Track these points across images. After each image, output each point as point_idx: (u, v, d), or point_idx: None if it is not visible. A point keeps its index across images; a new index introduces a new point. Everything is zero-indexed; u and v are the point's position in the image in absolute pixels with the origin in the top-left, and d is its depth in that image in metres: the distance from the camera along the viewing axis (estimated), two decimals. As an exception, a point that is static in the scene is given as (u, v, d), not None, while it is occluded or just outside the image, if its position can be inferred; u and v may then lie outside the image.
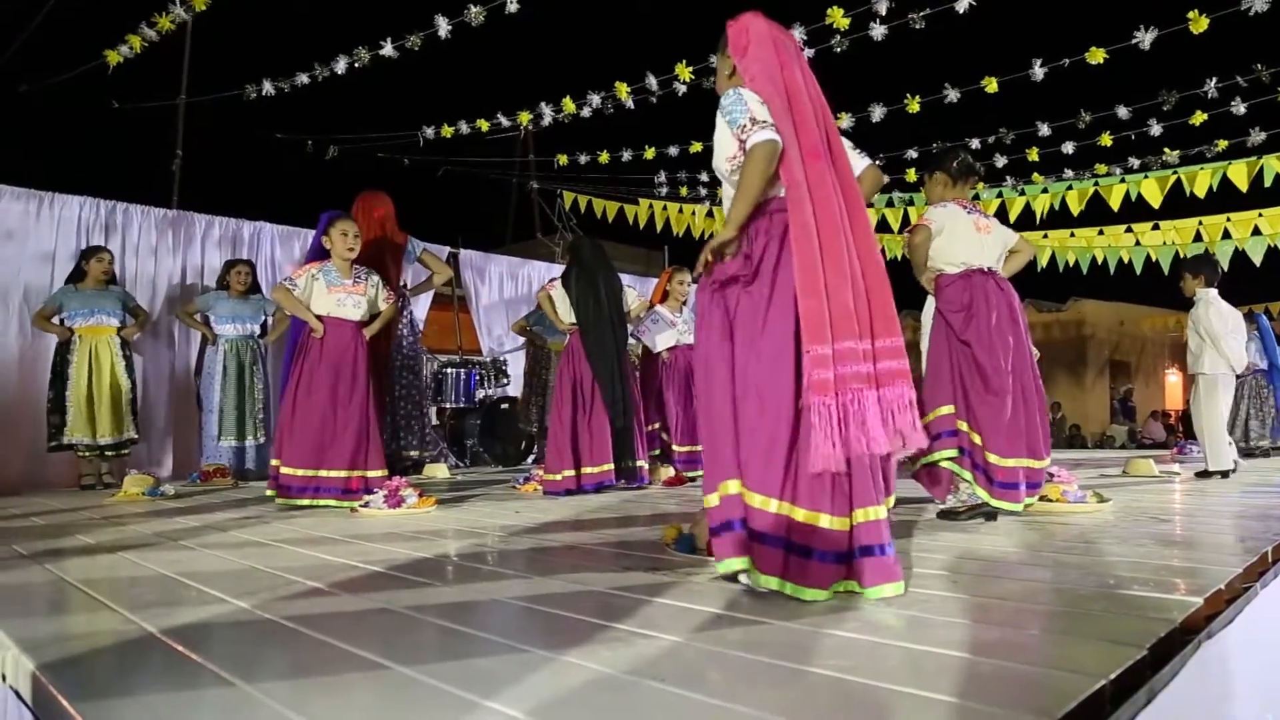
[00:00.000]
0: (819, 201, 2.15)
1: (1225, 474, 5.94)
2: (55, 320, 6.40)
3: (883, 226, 11.24)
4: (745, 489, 2.11)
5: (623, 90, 8.40)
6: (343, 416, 4.61)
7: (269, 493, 4.55)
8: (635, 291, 5.92)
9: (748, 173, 2.19)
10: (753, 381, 2.15)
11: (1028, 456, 3.62)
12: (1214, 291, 6.14)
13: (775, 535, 2.06)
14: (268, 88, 7.86)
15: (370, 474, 4.61)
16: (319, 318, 4.70)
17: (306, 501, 4.50)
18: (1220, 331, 5.96)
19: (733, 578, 2.13)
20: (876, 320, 2.13)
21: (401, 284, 6.57)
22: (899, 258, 11.80)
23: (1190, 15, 6.79)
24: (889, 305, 2.18)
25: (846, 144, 2.47)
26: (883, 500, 2.12)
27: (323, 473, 4.55)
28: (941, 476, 3.69)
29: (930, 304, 4.07)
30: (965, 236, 3.77)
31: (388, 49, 7.18)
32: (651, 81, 8.18)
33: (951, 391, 3.68)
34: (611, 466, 5.28)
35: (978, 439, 3.61)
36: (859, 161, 2.56)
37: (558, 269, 10.63)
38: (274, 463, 4.60)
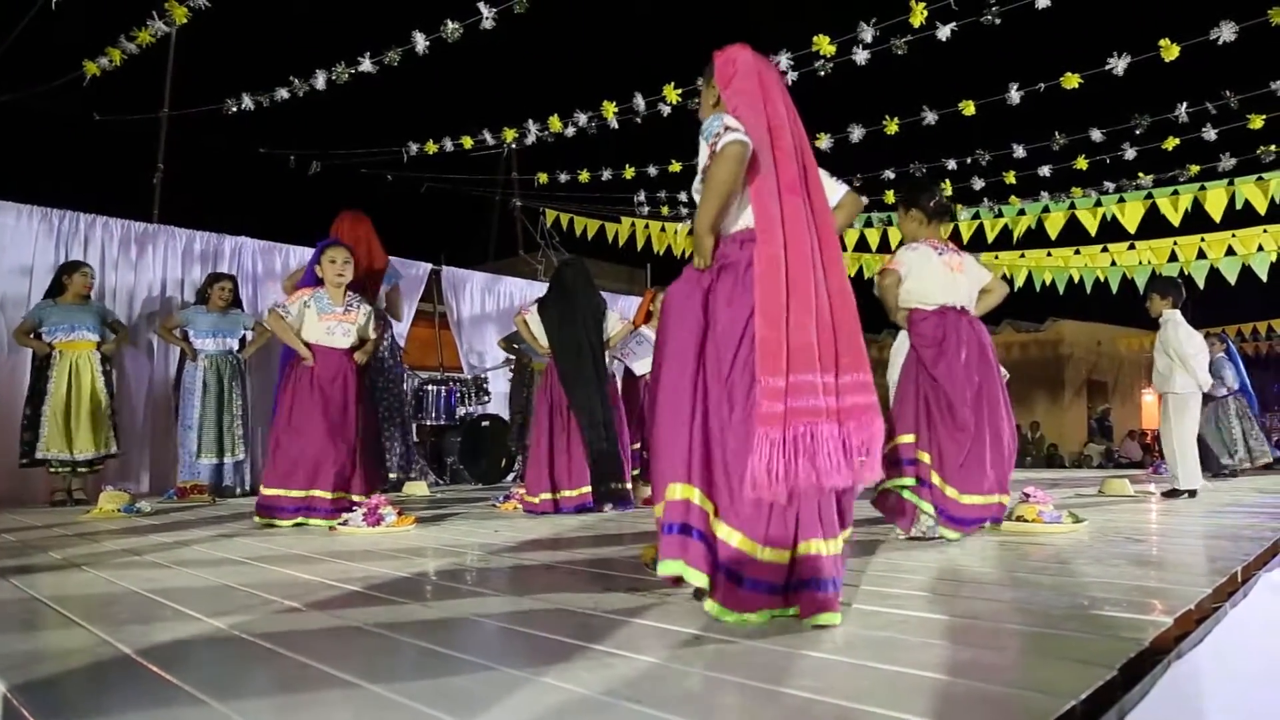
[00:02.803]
0: (791, 236, 2.16)
1: (1192, 493, 6.03)
2: (33, 335, 6.36)
3: (862, 245, 11.34)
4: (717, 519, 2.12)
5: (609, 110, 8.46)
6: (333, 443, 4.61)
7: (258, 520, 4.53)
8: (618, 315, 5.87)
9: (715, 170, 2.17)
10: (728, 407, 2.16)
11: (992, 493, 3.67)
12: (1179, 313, 6.25)
13: (698, 529, 2.09)
14: (247, 102, 7.86)
15: (354, 496, 4.61)
16: (310, 344, 4.71)
17: (287, 522, 4.48)
18: (1189, 352, 6.07)
19: (676, 582, 2.14)
20: (843, 355, 2.14)
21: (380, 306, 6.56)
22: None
23: (1161, 43, 6.94)
24: (857, 340, 2.18)
25: (824, 174, 2.49)
26: (833, 534, 2.11)
27: (312, 492, 4.55)
28: (904, 507, 3.72)
29: (902, 338, 4.11)
30: (937, 277, 3.82)
31: (366, 65, 7.21)
32: (639, 102, 8.26)
33: (914, 422, 3.73)
34: (589, 489, 5.27)
35: (937, 476, 3.64)
36: (837, 189, 2.59)
37: (537, 286, 10.68)
38: (264, 490, 4.58)
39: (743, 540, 2.07)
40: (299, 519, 4.50)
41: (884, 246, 11.05)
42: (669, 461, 2.18)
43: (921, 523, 3.68)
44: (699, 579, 2.08)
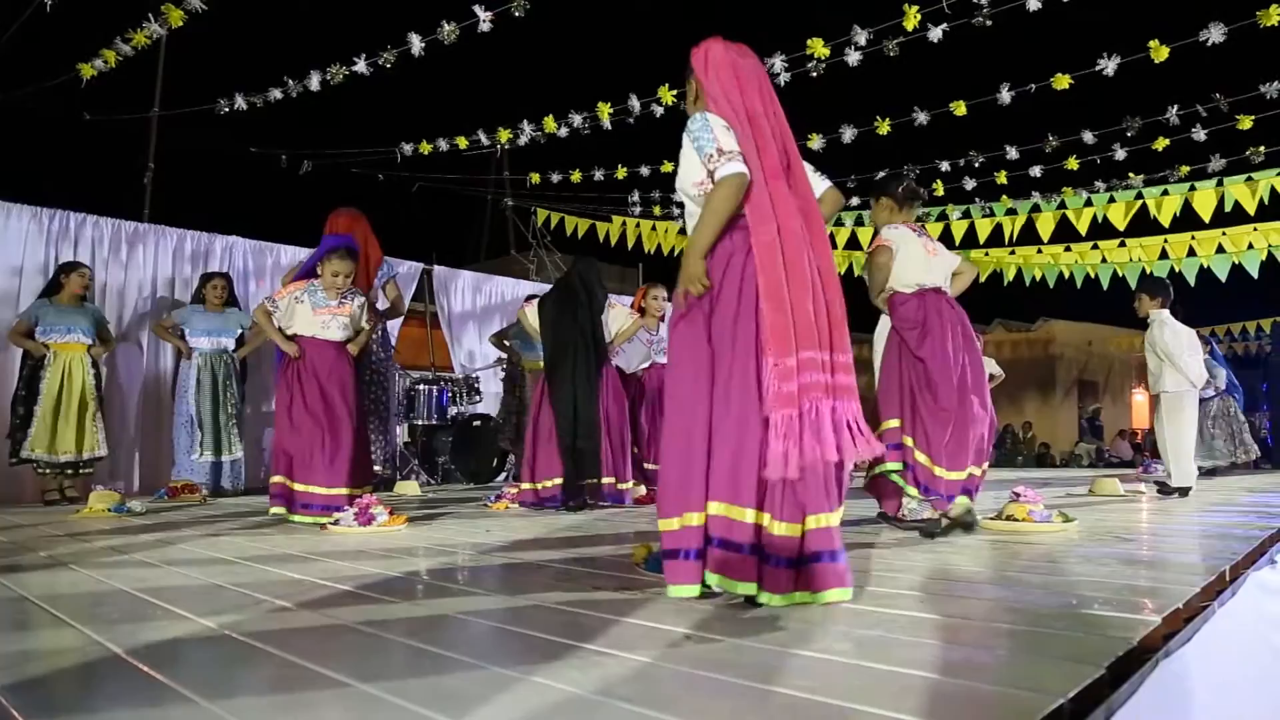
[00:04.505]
0: (782, 219, 2.23)
1: (1185, 491, 6.04)
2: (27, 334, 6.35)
3: (853, 244, 11.36)
4: (721, 503, 2.16)
5: (604, 111, 8.47)
6: (337, 435, 4.65)
7: (272, 510, 4.57)
8: (626, 310, 5.88)
9: (715, 202, 2.25)
10: (735, 395, 2.19)
11: (973, 465, 3.71)
12: (1167, 312, 6.27)
13: (748, 543, 2.13)
14: (239, 102, 7.84)
15: (362, 490, 4.64)
16: (304, 338, 4.74)
17: (306, 518, 4.49)
18: (1176, 350, 6.09)
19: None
20: (835, 333, 2.22)
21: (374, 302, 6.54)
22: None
23: (1151, 44, 6.97)
24: (844, 321, 2.27)
25: (807, 167, 2.54)
26: (835, 508, 2.18)
27: (322, 490, 4.58)
28: (891, 490, 3.78)
29: (884, 324, 4.14)
30: (917, 258, 3.88)
31: (361, 65, 7.19)
32: (634, 104, 8.27)
33: (899, 406, 3.78)
34: (559, 481, 5.33)
35: (922, 455, 3.67)
36: (820, 183, 2.62)
37: (528, 285, 10.68)
38: (275, 479, 4.61)
39: (768, 520, 2.13)
40: (314, 516, 4.48)
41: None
42: (688, 485, 2.21)
43: (906, 506, 3.72)
44: (746, 589, 2.13)
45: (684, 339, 2.33)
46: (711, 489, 2.18)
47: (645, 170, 10.23)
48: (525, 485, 5.46)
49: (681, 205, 2.53)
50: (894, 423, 3.76)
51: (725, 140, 2.26)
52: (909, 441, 3.72)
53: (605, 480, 5.42)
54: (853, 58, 7.10)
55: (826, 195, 2.64)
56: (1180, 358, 6.09)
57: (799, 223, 2.26)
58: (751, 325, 2.21)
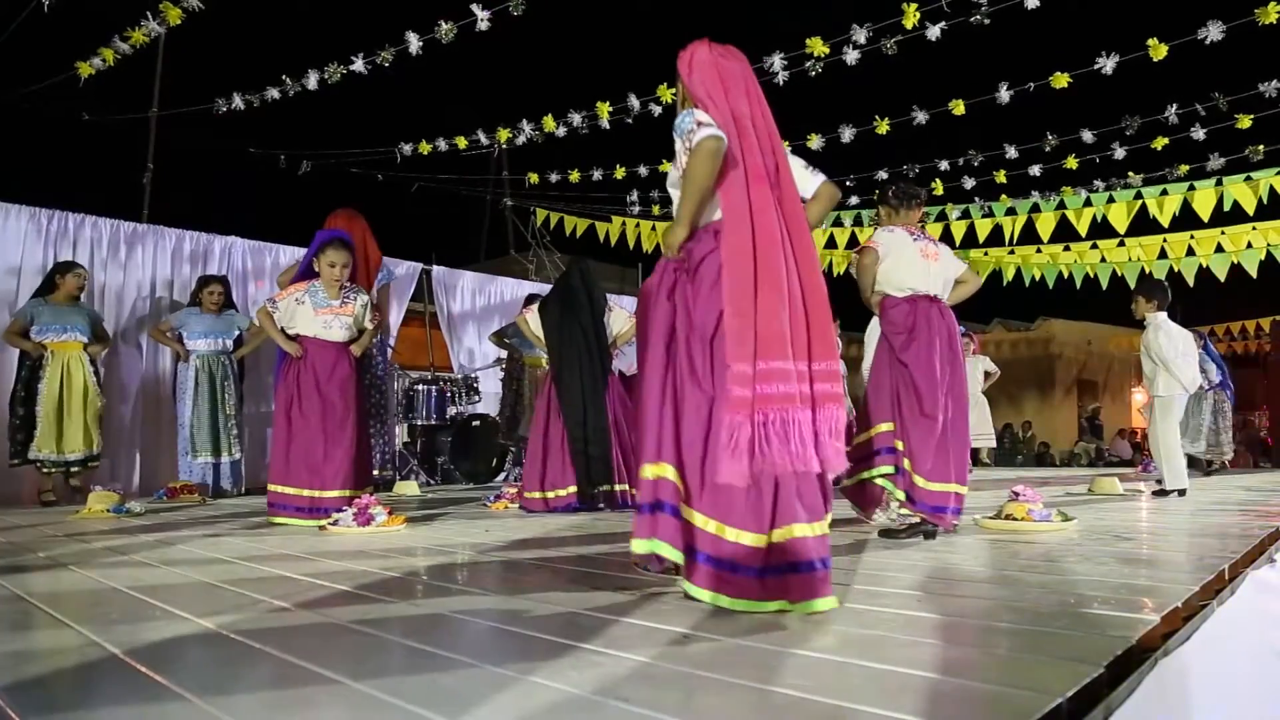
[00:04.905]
0: (760, 226, 2.19)
1: (1181, 492, 6.05)
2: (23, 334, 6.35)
3: (854, 243, 11.36)
4: (693, 510, 2.16)
5: (603, 110, 8.47)
6: (336, 437, 4.64)
7: (273, 521, 4.56)
8: (626, 313, 5.84)
9: (692, 166, 2.23)
10: (702, 381, 2.20)
11: (955, 482, 3.68)
12: (1164, 315, 6.27)
13: (669, 504, 2.14)
14: (237, 102, 7.83)
15: (361, 492, 4.63)
16: (306, 338, 4.74)
17: (305, 521, 4.48)
18: (1170, 355, 6.10)
19: (649, 562, 2.20)
20: (815, 343, 2.17)
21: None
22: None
23: (1150, 43, 6.97)
24: (828, 329, 2.22)
25: (800, 163, 2.52)
26: (818, 518, 2.13)
27: (319, 493, 4.57)
28: (874, 493, 3.75)
29: (875, 325, 4.13)
30: (910, 262, 3.85)
31: (358, 65, 7.20)
32: (633, 103, 8.27)
33: (891, 410, 3.75)
34: (573, 490, 5.28)
35: (907, 462, 3.66)
36: (813, 180, 2.61)
37: (528, 285, 10.67)
38: (272, 487, 4.62)
39: (718, 526, 2.11)
40: (308, 519, 4.47)
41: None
42: (644, 445, 2.24)
43: (891, 510, 3.70)
44: (671, 554, 2.14)
45: (647, 319, 2.35)
46: (663, 452, 2.19)
47: (644, 170, 10.25)
48: (534, 494, 5.31)
49: (671, 201, 2.53)
50: (887, 426, 3.73)
51: (703, 117, 2.24)
52: (900, 445, 3.70)
53: (619, 488, 5.34)
54: (851, 56, 7.12)
55: (820, 191, 2.62)
56: (1174, 363, 6.10)
57: (779, 230, 2.21)
58: (712, 333, 2.21)
